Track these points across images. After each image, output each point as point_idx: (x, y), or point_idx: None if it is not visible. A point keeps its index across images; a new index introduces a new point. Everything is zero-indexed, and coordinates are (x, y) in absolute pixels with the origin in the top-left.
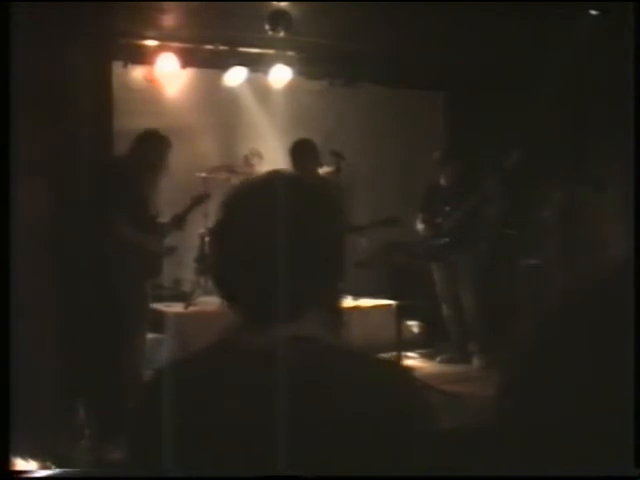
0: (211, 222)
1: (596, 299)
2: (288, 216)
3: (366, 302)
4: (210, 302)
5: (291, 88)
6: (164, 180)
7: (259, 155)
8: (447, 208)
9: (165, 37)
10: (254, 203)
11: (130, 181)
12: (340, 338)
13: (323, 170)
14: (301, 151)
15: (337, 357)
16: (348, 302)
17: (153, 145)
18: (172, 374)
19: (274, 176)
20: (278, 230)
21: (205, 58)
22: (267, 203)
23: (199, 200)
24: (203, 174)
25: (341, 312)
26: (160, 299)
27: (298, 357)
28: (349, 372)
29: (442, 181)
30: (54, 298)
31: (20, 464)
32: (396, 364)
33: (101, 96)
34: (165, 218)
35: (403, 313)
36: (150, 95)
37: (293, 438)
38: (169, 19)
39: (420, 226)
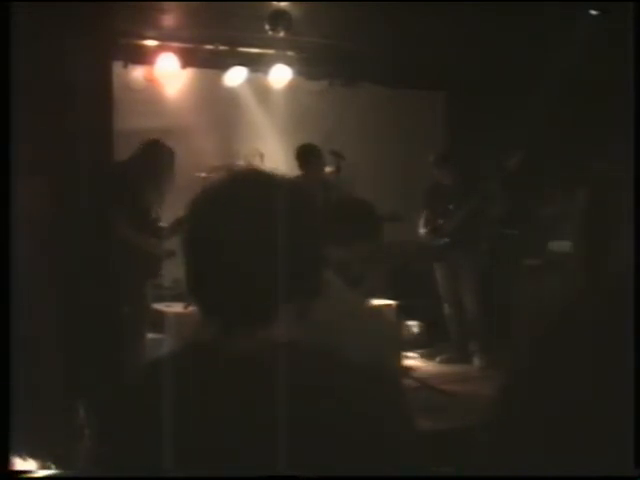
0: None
1: (596, 299)
2: (264, 216)
3: None
4: None
5: (291, 88)
6: (167, 186)
7: (260, 155)
8: (450, 207)
9: (165, 37)
10: (226, 204)
11: (132, 186)
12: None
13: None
14: (305, 157)
15: (319, 361)
16: None
17: (158, 155)
18: (156, 373)
19: (249, 175)
20: (253, 231)
21: (205, 58)
22: (241, 202)
23: None
24: (203, 174)
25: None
26: (160, 299)
27: (281, 362)
28: (332, 376)
29: (443, 181)
30: (54, 298)
31: (20, 464)
32: (379, 366)
33: (101, 96)
34: (165, 219)
35: (403, 313)
36: (150, 95)
37: (291, 439)
38: (169, 19)
39: (422, 228)
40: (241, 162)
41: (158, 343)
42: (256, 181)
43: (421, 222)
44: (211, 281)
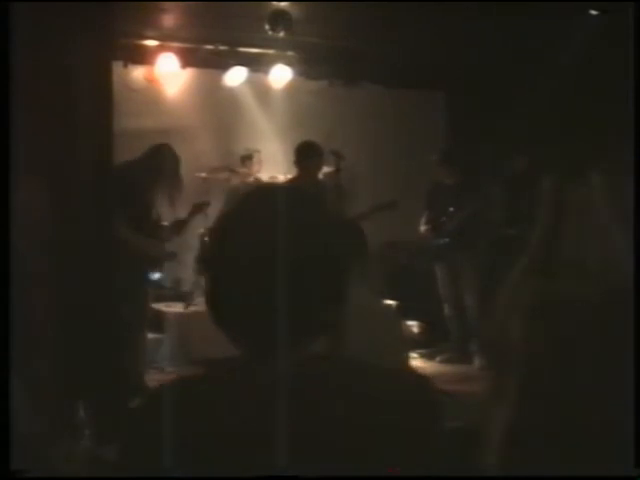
0: (206, 245)
1: (595, 300)
2: (289, 233)
3: None
4: None
5: (291, 88)
6: (174, 191)
7: (257, 154)
8: (450, 208)
9: (165, 37)
10: (251, 221)
11: (134, 188)
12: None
13: (323, 170)
14: (306, 153)
15: (346, 371)
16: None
17: (163, 159)
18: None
19: (273, 190)
20: (279, 248)
21: (205, 58)
22: (266, 220)
23: (200, 208)
24: (203, 174)
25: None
26: (160, 299)
27: (310, 376)
28: (356, 384)
29: (444, 181)
30: (54, 298)
31: (20, 464)
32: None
33: (101, 96)
34: (166, 219)
35: (403, 313)
36: (150, 95)
37: (295, 440)
38: (169, 19)
39: (424, 227)
40: (237, 163)
41: (158, 343)
42: (281, 199)
43: (422, 221)
44: (241, 306)
